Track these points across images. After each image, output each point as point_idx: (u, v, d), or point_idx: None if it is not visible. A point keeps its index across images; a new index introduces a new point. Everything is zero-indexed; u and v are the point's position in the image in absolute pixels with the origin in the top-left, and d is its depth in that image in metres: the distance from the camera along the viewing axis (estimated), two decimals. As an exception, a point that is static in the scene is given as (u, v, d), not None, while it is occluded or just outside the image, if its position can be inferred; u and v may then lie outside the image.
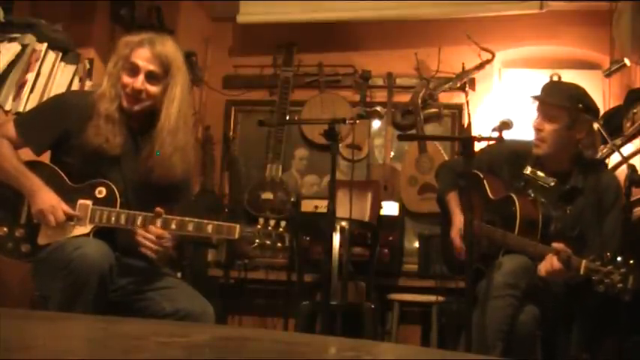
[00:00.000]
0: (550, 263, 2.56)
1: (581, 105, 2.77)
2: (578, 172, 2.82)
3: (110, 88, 2.44)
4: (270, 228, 2.39)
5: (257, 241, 2.39)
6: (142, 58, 2.43)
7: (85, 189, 2.41)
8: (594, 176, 2.81)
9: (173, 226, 2.38)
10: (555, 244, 2.58)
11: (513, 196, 2.80)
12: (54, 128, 2.45)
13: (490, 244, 2.78)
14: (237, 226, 2.39)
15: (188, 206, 2.64)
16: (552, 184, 2.83)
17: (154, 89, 2.44)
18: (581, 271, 2.48)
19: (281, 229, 2.39)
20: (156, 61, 2.43)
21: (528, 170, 2.86)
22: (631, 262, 2.42)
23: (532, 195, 2.84)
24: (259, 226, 2.39)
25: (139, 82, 2.42)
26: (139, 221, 2.38)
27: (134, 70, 2.42)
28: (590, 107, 2.81)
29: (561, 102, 2.77)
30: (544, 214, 2.76)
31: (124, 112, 2.45)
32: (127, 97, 2.44)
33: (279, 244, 2.39)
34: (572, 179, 2.82)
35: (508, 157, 2.95)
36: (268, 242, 2.39)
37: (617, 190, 2.81)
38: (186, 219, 2.41)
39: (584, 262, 2.48)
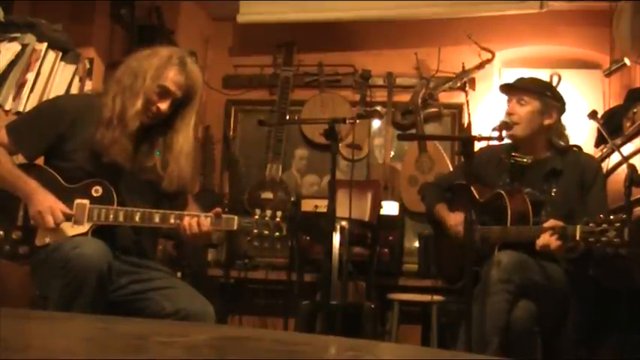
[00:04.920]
0: (545, 239, 2.61)
1: (549, 93, 2.95)
2: (556, 156, 2.93)
3: (143, 104, 2.41)
4: (267, 218, 2.42)
5: (255, 231, 2.41)
6: (175, 83, 2.43)
7: (81, 189, 2.41)
8: (572, 157, 2.94)
9: (172, 220, 2.40)
10: (547, 223, 2.66)
11: (501, 192, 2.86)
12: (47, 134, 2.44)
13: (483, 244, 2.80)
14: (236, 218, 2.42)
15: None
16: (530, 161, 2.92)
17: (169, 110, 2.46)
18: (577, 236, 2.53)
19: (278, 219, 2.42)
20: (184, 88, 2.45)
21: (509, 157, 2.95)
22: (624, 216, 2.45)
23: (517, 186, 2.90)
24: (256, 217, 2.42)
25: (167, 106, 2.44)
26: (137, 218, 2.38)
27: (165, 94, 2.43)
28: (557, 96, 2.98)
29: (531, 87, 2.96)
30: (533, 202, 2.81)
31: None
32: (147, 114, 2.43)
33: (277, 234, 2.42)
34: (551, 162, 2.92)
35: (488, 159, 3.04)
36: (267, 232, 2.41)
37: (597, 165, 2.98)
38: (185, 212, 2.44)
39: (578, 227, 2.54)
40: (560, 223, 2.62)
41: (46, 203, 2.32)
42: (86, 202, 2.39)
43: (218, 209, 2.43)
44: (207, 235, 2.43)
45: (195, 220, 2.40)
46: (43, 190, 2.35)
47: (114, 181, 2.43)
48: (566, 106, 3.00)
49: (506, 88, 3.03)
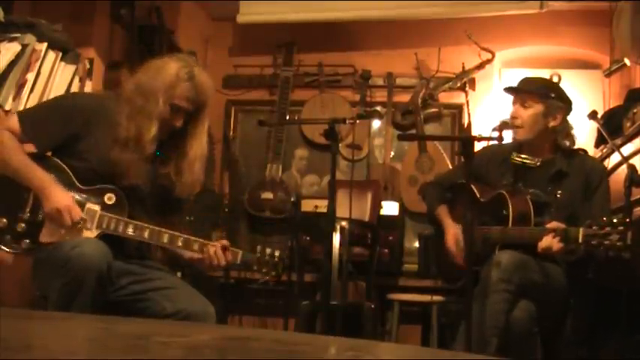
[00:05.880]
0: (548, 241, 2.61)
1: (553, 94, 2.92)
2: (562, 158, 2.92)
3: (158, 128, 2.42)
4: (267, 257, 2.50)
5: (255, 267, 2.50)
6: (186, 100, 2.44)
7: (94, 193, 2.39)
8: (578, 160, 2.92)
9: (193, 247, 2.45)
10: (549, 225, 2.65)
11: (503, 192, 2.85)
12: (62, 130, 2.41)
13: (484, 244, 2.80)
14: (240, 253, 2.48)
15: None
16: (538, 163, 2.91)
17: (181, 123, 2.49)
18: (580, 239, 2.53)
19: (277, 259, 2.50)
20: (195, 102, 2.48)
21: (514, 155, 2.95)
22: (627, 219, 2.46)
23: (521, 186, 2.89)
24: (258, 254, 2.50)
25: (180, 122, 2.47)
26: (145, 234, 2.38)
27: (178, 112, 2.45)
28: (562, 97, 2.95)
29: (534, 90, 2.94)
30: (536, 203, 2.81)
31: None
32: (162, 132, 2.45)
33: (273, 273, 2.51)
34: (557, 164, 2.91)
35: (491, 158, 3.05)
36: (264, 270, 2.50)
37: (602, 170, 2.97)
38: (192, 238, 2.44)
39: (581, 229, 2.54)
40: (562, 225, 2.62)
41: (64, 201, 2.30)
42: (97, 208, 2.38)
43: (225, 242, 2.46)
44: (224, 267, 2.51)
45: (223, 254, 2.44)
46: (59, 186, 2.33)
47: (126, 185, 2.42)
48: (572, 106, 2.98)
49: (509, 91, 3.02)
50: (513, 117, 2.93)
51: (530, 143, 2.94)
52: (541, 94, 2.91)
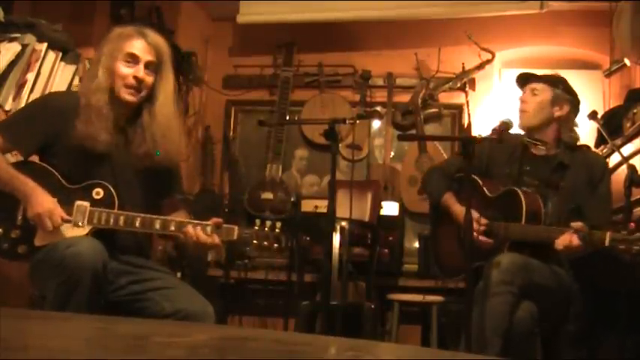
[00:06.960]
0: (568, 239, 2.61)
1: (561, 86, 3.00)
2: (564, 151, 2.97)
3: (105, 80, 2.42)
4: (267, 229, 2.42)
5: (255, 242, 2.41)
6: (138, 48, 2.45)
7: (81, 190, 2.40)
8: (580, 153, 2.98)
9: (172, 228, 2.39)
10: (574, 224, 2.65)
11: (516, 189, 2.85)
12: (42, 131, 2.43)
13: (497, 239, 2.79)
14: (236, 228, 2.42)
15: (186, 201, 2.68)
16: (544, 147, 2.96)
17: (150, 79, 2.47)
18: (607, 243, 2.51)
19: (277, 230, 2.42)
20: (152, 51, 2.47)
21: (524, 136, 3.00)
22: None
23: (525, 179, 2.93)
24: (256, 227, 2.42)
25: (141, 71, 2.44)
26: (137, 223, 2.37)
27: (134, 60, 2.44)
28: (569, 90, 3.02)
29: (543, 78, 3.03)
30: (544, 196, 2.83)
31: (114, 106, 2.43)
32: (127, 89, 2.43)
33: (275, 245, 2.43)
34: (559, 157, 2.96)
35: (495, 147, 3.04)
36: (266, 243, 2.42)
37: (604, 164, 3.02)
38: (186, 220, 2.43)
39: (608, 233, 2.52)
40: (586, 228, 2.60)
41: (45, 206, 2.31)
42: (86, 204, 2.38)
43: (219, 219, 2.41)
44: (216, 246, 2.43)
45: (202, 231, 2.38)
46: (41, 191, 2.33)
47: (111, 175, 2.42)
48: (578, 100, 3.02)
49: (521, 79, 3.08)
50: (523, 101, 3.00)
51: (535, 131, 2.98)
52: (550, 82, 2.99)
